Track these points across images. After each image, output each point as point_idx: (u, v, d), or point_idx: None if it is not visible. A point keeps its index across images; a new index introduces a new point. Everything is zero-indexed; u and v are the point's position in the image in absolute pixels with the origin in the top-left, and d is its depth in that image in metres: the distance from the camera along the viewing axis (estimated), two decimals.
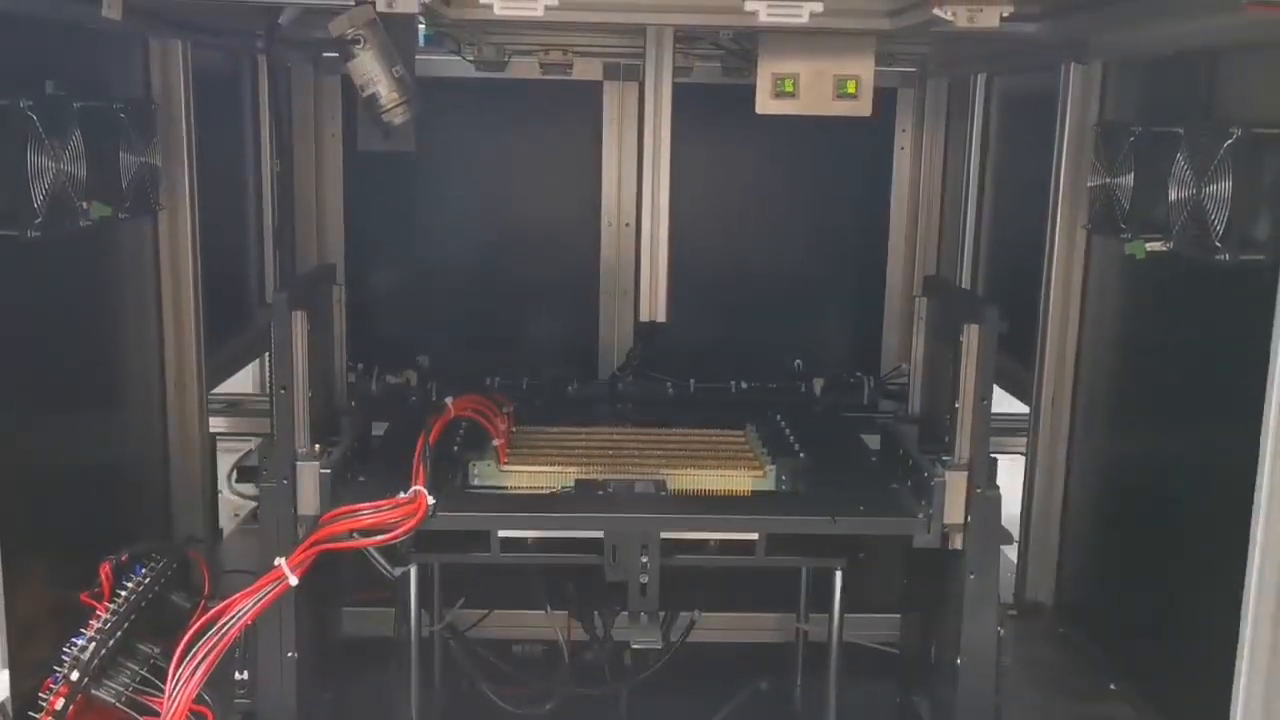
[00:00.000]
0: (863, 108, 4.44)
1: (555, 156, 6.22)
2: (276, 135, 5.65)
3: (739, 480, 4.23)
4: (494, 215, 6.24)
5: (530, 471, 4.26)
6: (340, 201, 6.15)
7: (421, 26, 4.64)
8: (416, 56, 5.07)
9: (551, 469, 4.28)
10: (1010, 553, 5.05)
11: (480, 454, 4.31)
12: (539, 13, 3.04)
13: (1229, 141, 3.42)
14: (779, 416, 4.92)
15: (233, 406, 5.77)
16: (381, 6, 3.10)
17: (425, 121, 5.64)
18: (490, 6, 3.08)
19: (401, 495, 3.75)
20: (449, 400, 4.48)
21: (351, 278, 6.07)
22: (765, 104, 4.44)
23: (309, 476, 3.76)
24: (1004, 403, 5.26)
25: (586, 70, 5.93)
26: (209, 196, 4.79)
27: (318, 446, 3.81)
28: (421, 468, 3.88)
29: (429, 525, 3.77)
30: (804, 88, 4.40)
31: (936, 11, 3.18)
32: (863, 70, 4.39)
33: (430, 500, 3.75)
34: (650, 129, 4.76)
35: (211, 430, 5.21)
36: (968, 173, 5.87)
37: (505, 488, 4.21)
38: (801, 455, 4.46)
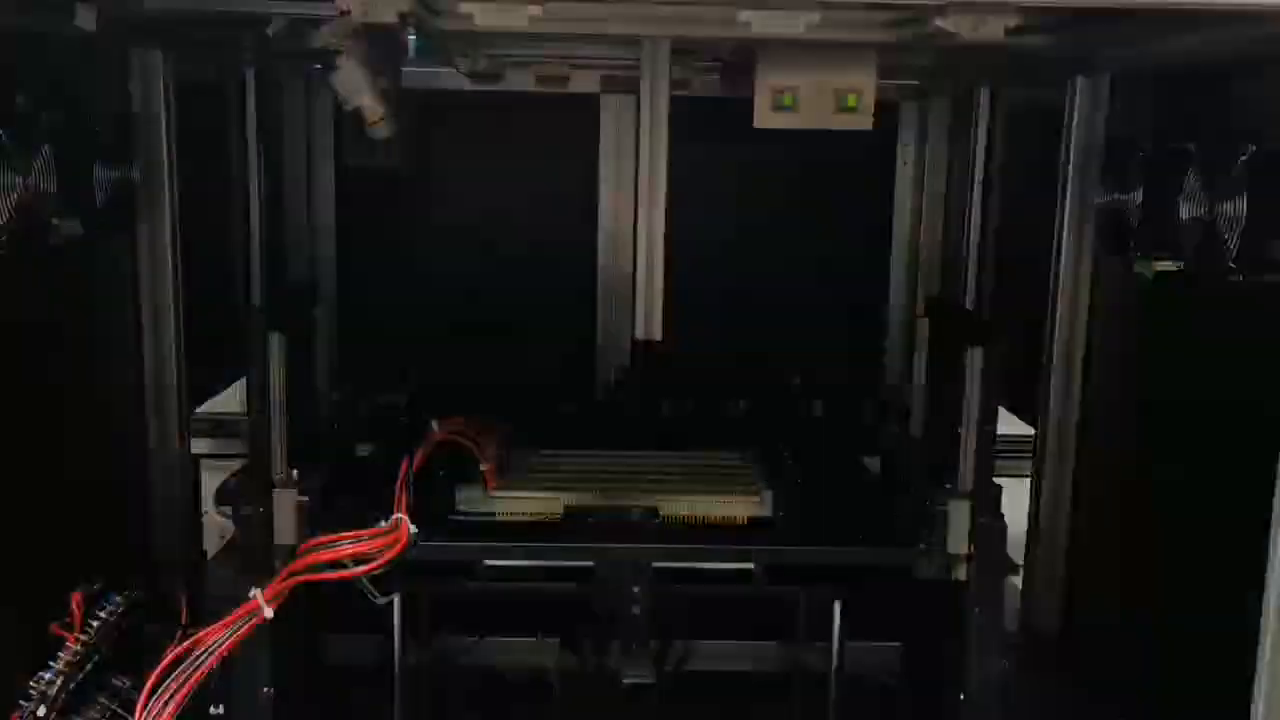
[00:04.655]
0: (864, 121, 4.30)
1: (552, 170, 6.09)
2: (265, 149, 5.54)
3: (734, 507, 4.10)
4: (489, 230, 6.11)
5: (519, 497, 4.13)
6: (332, 217, 6.01)
7: (412, 38, 4.52)
8: (410, 69, 5.01)
9: (541, 494, 4.15)
10: (1016, 579, 4.93)
11: (467, 479, 4.17)
12: (523, 23, 2.91)
13: (1243, 158, 3.30)
14: (777, 439, 4.80)
15: (218, 427, 5.63)
16: (358, 16, 2.97)
17: (418, 135, 5.60)
18: (470, 16, 2.94)
19: (382, 523, 3.63)
20: (435, 423, 4.36)
21: (343, 295, 6.00)
22: (764, 118, 4.30)
23: (286, 504, 3.63)
24: (1010, 425, 5.14)
25: (584, 82, 5.80)
26: (193, 212, 4.65)
27: (295, 472, 3.69)
28: (404, 494, 3.77)
29: (411, 555, 3.65)
30: (804, 101, 4.26)
31: (939, 22, 3.05)
32: (864, 83, 4.24)
33: (412, 529, 3.63)
34: (646, 143, 4.64)
35: (196, 451, 5.08)
36: (972, 188, 5.73)
37: (493, 514, 4.09)
38: (799, 480, 4.34)
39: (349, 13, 2.97)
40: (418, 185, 5.88)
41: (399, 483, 3.83)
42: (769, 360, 6.03)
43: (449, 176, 5.98)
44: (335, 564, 3.58)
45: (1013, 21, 3.02)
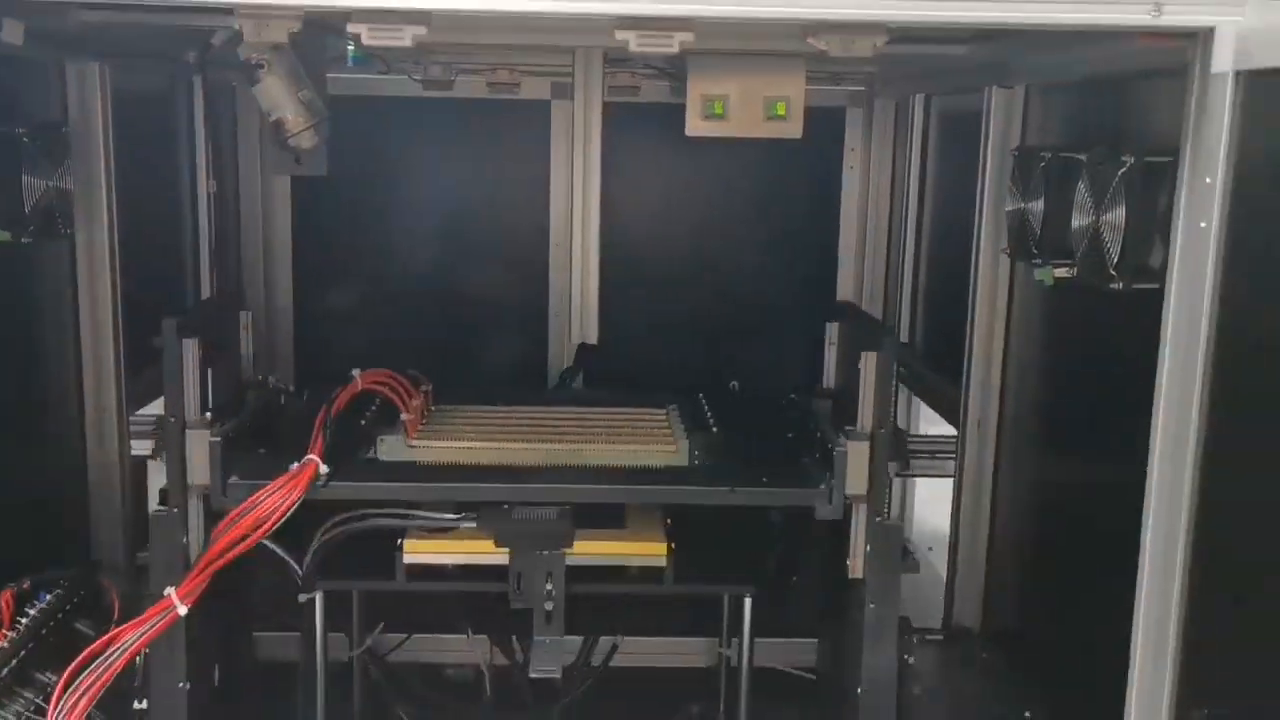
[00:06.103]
0: (793, 129, 4.37)
1: (504, 176, 6.15)
2: (214, 155, 5.62)
3: (650, 455, 4.16)
4: (443, 236, 6.16)
5: (439, 447, 4.15)
6: (288, 223, 6.06)
7: (350, 48, 4.61)
8: (373, 75, 5.07)
9: (461, 444, 4.18)
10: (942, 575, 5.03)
11: (389, 429, 4.19)
12: (407, 42, 3.01)
13: (1122, 170, 3.39)
14: (702, 396, 4.88)
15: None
16: (250, 36, 3.08)
17: (374, 141, 5.67)
18: (359, 36, 3.05)
19: (293, 467, 3.71)
20: (357, 372, 4.42)
21: (299, 299, 6.08)
22: (695, 125, 4.37)
23: (199, 444, 3.72)
24: (936, 425, 5.24)
25: (534, 89, 5.88)
26: (136, 219, 4.74)
27: (209, 414, 3.77)
28: (320, 437, 3.84)
29: (319, 495, 3.73)
30: (733, 109, 4.33)
31: (811, 40, 3.15)
32: (793, 91, 4.32)
33: (322, 469, 3.71)
34: (580, 150, 4.73)
35: (142, 453, 5.18)
36: (907, 193, 5.82)
37: (413, 464, 4.09)
38: (715, 430, 4.41)
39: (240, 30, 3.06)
40: (373, 187, 5.97)
41: (316, 426, 3.89)
42: (719, 362, 6.08)
43: (406, 179, 6.06)
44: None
45: (880, 40, 3.11)
